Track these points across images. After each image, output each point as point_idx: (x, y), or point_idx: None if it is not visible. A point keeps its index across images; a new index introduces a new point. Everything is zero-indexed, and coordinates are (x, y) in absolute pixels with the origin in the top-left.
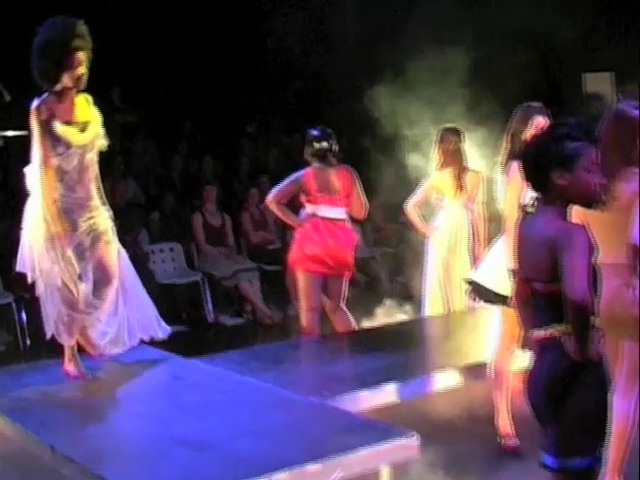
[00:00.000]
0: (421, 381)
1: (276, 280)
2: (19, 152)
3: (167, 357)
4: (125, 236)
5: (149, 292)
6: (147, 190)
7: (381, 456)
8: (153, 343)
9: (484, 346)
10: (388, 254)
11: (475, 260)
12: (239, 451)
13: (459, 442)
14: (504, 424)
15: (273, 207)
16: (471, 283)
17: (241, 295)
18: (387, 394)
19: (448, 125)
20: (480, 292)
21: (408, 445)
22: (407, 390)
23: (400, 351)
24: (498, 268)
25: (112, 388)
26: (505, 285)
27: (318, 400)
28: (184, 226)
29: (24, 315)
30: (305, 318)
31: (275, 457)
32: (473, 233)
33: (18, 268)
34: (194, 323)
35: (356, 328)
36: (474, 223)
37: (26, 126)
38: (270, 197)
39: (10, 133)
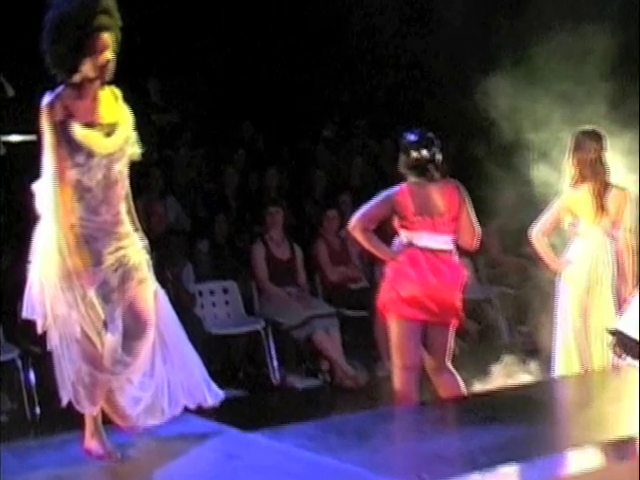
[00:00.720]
0: (550, 462)
1: (361, 330)
2: (25, 163)
3: (219, 430)
4: (165, 272)
5: (196, 345)
6: (193, 212)
7: None
8: (201, 412)
9: (632, 416)
10: (507, 296)
11: (621, 304)
12: None
13: None
14: None
15: (357, 234)
16: (615, 333)
17: (315, 349)
18: (505, 478)
19: (586, 128)
20: (627, 345)
21: None
22: (532, 473)
23: (522, 423)
24: None
25: (147, 471)
26: None
27: None
28: (241, 259)
29: (32, 375)
30: (399, 379)
31: None
32: (618, 268)
33: (25, 314)
34: (254, 385)
35: (465, 393)
36: (619, 255)
37: (34, 129)
38: (353, 221)
39: (14, 138)
